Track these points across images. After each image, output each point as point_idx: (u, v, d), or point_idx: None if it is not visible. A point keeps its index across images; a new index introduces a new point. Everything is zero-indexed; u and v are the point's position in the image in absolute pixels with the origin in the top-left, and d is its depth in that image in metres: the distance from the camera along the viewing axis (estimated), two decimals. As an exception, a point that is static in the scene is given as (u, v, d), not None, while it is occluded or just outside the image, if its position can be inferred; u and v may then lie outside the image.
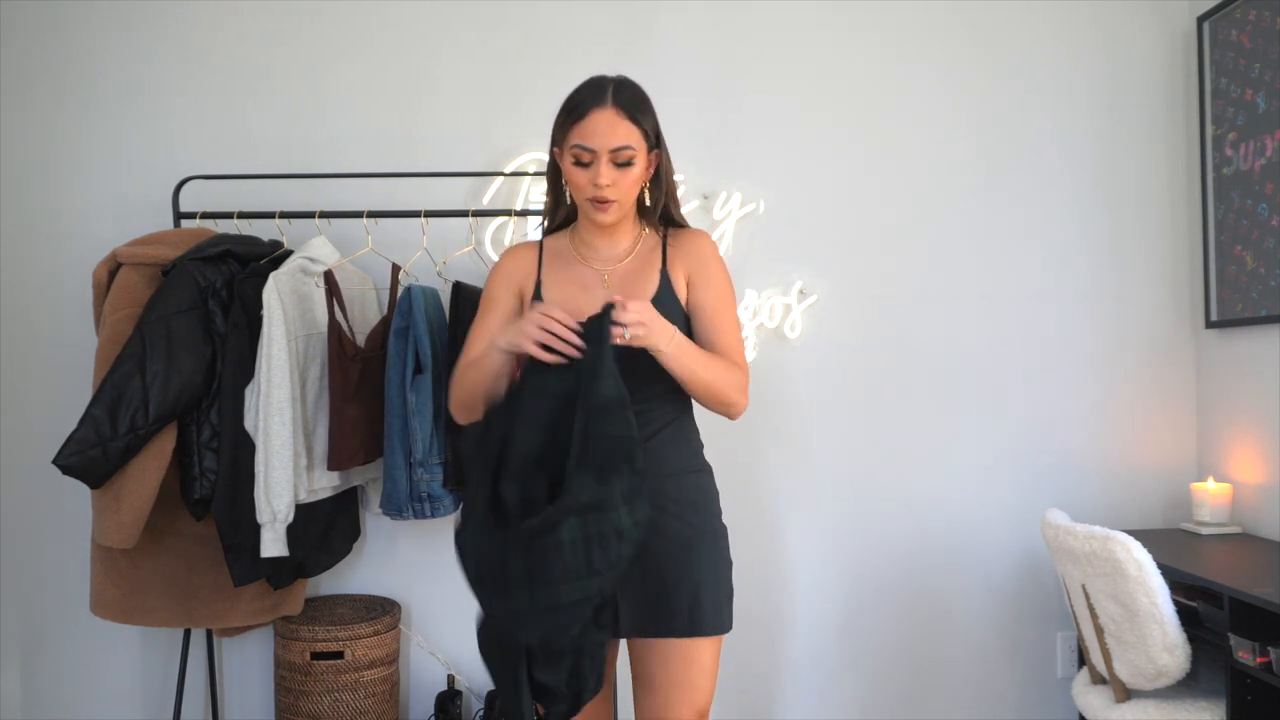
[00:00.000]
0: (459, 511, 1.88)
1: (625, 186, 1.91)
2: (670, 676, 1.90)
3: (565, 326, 1.75)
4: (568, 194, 2.01)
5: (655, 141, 1.95)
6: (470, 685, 3.10)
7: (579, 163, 1.90)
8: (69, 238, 3.03)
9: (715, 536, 1.98)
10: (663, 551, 1.89)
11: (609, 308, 1.75)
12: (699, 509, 1.96)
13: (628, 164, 1.89)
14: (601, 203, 1.90)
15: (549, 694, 1.78)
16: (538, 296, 1.97)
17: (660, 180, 1.98)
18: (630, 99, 1.90)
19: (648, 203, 2.01)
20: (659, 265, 1.98)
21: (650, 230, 2.03)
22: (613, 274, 1.98)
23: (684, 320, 1.97)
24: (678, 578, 1.90)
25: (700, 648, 1.91)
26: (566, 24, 3.14)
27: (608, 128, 1.87)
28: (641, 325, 1.76)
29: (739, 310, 3.12)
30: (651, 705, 1.92)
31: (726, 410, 1.95)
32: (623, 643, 2.01)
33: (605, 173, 1.88)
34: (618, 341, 1.75)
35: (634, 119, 1.89)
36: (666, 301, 1.95)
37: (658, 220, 2.02)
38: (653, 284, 1.96)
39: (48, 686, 3.05)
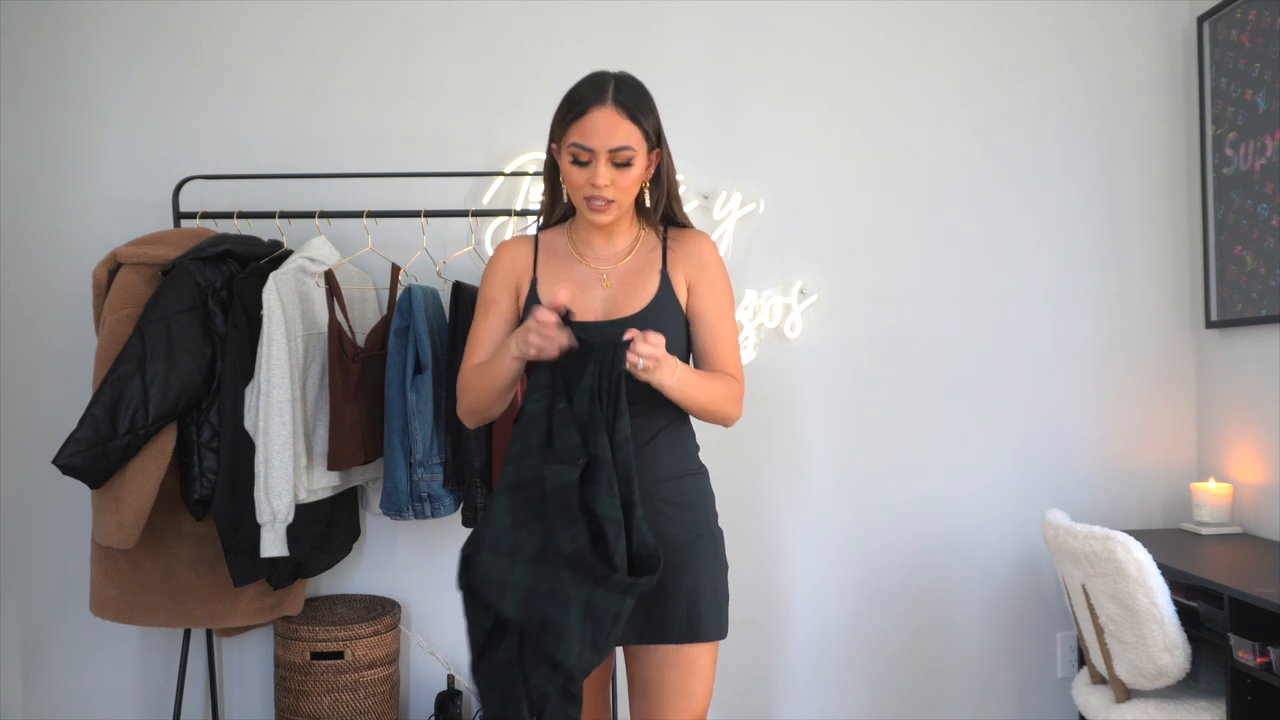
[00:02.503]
0: (481, 520, 1.87)
1: (624, 187, 1.88)
2: (667, 683, 1.88)
3: (551, 323, 1.76)
4: (565, 191, 1.98)
5: (656, 140, 1.92)
6: (470, 685, 3.10)
7: (577, 161, 1.87)
8: (69, 238, 3.03)
9: (712, 540, 1.96)
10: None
11: (624, 343, 1.77)
12: (695, 513, 1.95)
13: (627, 164, 1.86)
14: (598, 203, 1.88)
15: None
16: (533, 295, 1.95)
17: (661, 179, 1.96)
18: (631, 97, 1.87)
19: (648, 202, 1.99)
20: (659, 267, 1.96)
21: (650, 230, 2.01)
22: (611, 274, 1.96)
23: (683, 324, 1.96)
24: (674, 583, 1.87)
25: (697, 654, 1.89)
26: (567, 24, 3.14)
27: (607, 127, 1.84)
28: (654, 359, 1.77)
29: (738, 310, 3.13)
30: (648, 712, 1.90)
31: (721, 423, 1.97)
32: (619, 648, 2.00)
33: (603, 173, 1.85)
34: (628, 367, 1.76)
35: (634, 118, 1.86)
36: (666, 305, 1.93)
37: (658, 220, 2.00)
38: (652, 286, 1.94)
39: (48, 686, 3.05)
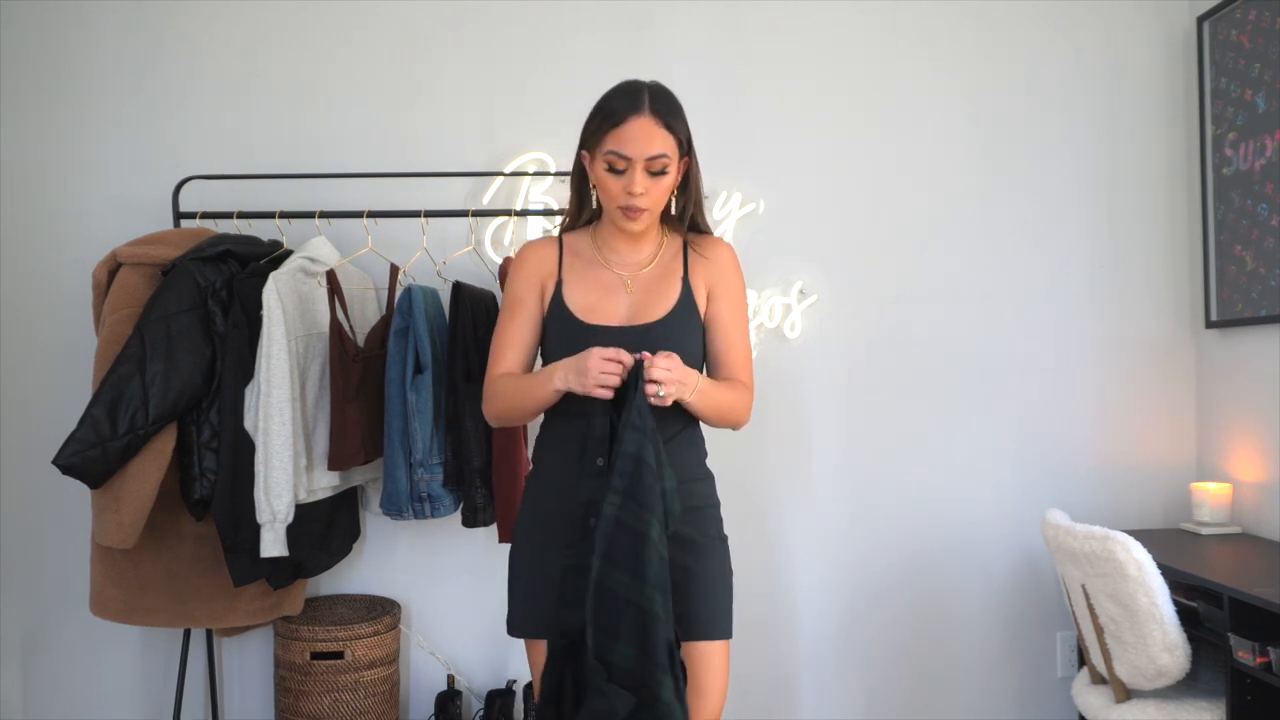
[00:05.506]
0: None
1: (657, 195, 1.91)
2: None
3: (622, 364, 1.79)
4: (594, 197, 2.01)
5: (687, 148, 1.95)
6: (470, 685, 3.10)
7: (613, 170, 1.89)
8: (69, 238, 3.03)
9: (720, 543, 2.00)
10: (670, 557, 1.89)
11: (639, 364, 1.78)
12: (704, 515, 1.98)
13: (662, 172, 1.90)
14: (633, 211, 1.90)
15: None
16: (559, 297, 1.97)
17: (689, 186, 1.99)
18: (666, 106, 1.90)
19: (673, 210, 2.01)
20: (680, 273, 1.99)
21: (672, 236, 2.03)
22: (635, 280, 1.98)
23: (702, 329, 1.99)
24: (688, 583, 1.90)
25: (713, 652, 1.92)
26: (567, 24, 3.14)
27: (645, 137, 1.87)
28: (673, 383, 1.80)
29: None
30: None
31: (731, 428, 2.02)
32: None
33: (640, 181, 1.88)
34: (653, 402, 1.78)
35: (669, 127, 1.89)
36: (686, 312, 1.96)
37: (684, 226, 2.02)
38: (674, 293, 1.97)
39: (48, 686, 3.05)
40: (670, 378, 1.79)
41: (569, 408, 1.90)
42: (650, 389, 1.78)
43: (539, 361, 2.05)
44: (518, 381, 1.95)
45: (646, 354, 1.80)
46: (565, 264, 2.00)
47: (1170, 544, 2.88)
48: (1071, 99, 3.24)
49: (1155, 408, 3.26)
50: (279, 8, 3.10)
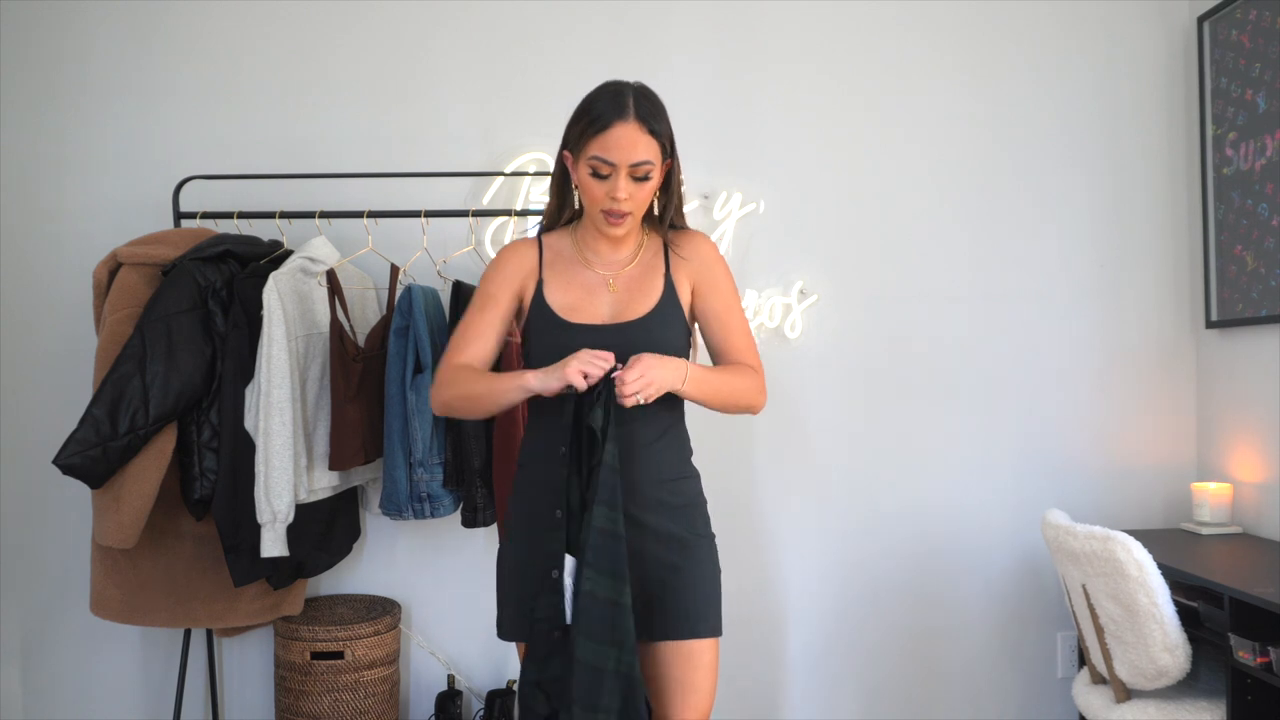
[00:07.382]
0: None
1: (640, 199, 1.91)
2: (673, 679, 1.90)
3: (604, 367, 1.80)
4: (575, 198, 2.00)
5: (670, 150, 1.94)
6: (470, 685, 3.10)
7: (596, 174, 1.88)
8: (69, 238, 3.03)
9: (709, 540, 1.99)
10: (659, 555, 1.90)
11: (610, 383, 1.79)
12: (692, 513, 1.98)
13: (645, 178, 1.89)
14: (616, 216, 1.90)
15: None
16: (540, 297, 1.96)
17: (670, 186, 1.98)
18: (650, 110, 1.89)
19: (655, 211, 2.01)
20: (662, 270, 1.99)
21: (652, 234, 2.03)
22: (617, 279, 1.98)
23: (685, 327, 1.98)
24: (676, 580, 1.90)
25: (702, 649, 1.91)
26: (567, 24, 3.14)
27: (629, 143, 1.85)
28: (648, 386, 1.79)
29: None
30: (656, 709, 1.92)
31: (747, 412, 2.00)
32: None
33: (623, 186, 1.87)
34: (639, 401, 1.79)
35: (653, 131, 1.88)
36: (669, 309, 1.96)
37: (662, 225, 2.02)
38: (656, 290, 1.97)
39: (48, 686, 3.05)
40: (642, 383, 1.79)
41: (556, 407, 1.89)
42: (630, 401, 1.78)
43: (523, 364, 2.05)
44: (483, 376, 1.93)
45: (619, 369, 1.81)
46: (546, 264, 1.99)
47: (1170, 544, 2.88)
48: (1071, 99, 3.24)
49: (1155, 408, 3.26)
50: (279, 8, 3.10)
